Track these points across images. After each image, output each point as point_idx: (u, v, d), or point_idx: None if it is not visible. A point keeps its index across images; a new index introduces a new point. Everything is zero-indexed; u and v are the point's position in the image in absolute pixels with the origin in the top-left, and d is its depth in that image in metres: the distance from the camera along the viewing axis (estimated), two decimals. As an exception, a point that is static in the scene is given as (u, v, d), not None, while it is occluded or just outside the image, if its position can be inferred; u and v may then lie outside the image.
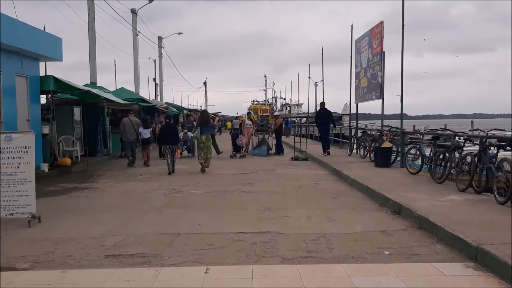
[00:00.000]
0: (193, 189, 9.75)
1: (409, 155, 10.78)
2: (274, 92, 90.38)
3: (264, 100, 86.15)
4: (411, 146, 11.08)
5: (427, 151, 10.38)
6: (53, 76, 11.94)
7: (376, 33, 13.64)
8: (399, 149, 12.06)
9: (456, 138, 9.45)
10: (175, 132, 13.15)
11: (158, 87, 41.28)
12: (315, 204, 7.96)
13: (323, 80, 24.40)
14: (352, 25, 16.98)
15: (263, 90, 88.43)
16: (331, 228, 6.21)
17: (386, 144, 12.00)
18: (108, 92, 16.45)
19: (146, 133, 14.78)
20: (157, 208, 7.67)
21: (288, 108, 79.69)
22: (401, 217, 6.78)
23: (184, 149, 16.84)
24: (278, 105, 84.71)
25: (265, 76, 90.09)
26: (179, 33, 39.85)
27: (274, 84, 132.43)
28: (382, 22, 13.27)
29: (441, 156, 9.20)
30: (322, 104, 16.71)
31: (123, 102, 16.25)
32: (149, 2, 29.74)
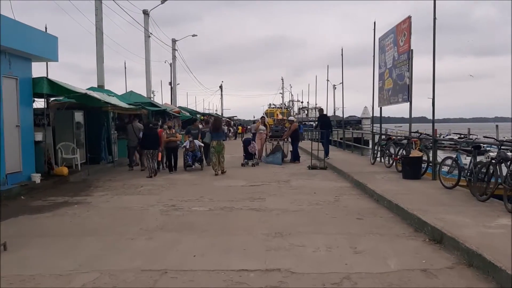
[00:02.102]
0: (195, 204, 8.56)
1: (443, 166, 9.38)
2: (291, 95, 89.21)
3: (281, 104, 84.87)
4: (446, 156, 9.69)
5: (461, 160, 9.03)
6: (46, 77, 10.93)
7: (403, 29, 12.29)
8: (430, 159, 10.72)
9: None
10: (156, 138, 13.33)
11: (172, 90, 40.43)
12: (336, 227, 6.68)
13: (342, 82, 23.01)
14: (374, 23, 15.68)
15: (280, 93, 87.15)
16: (357, 264, 4.94)
17: (416, 153, 10.63)
18: (113, 96, 15.43)
19: None
20: (148, 232, 6.49)
21: (306, 112, 78.27)
22: (444, 249, 5.46)
23: (192, 160, 14.32)
24: (295, 109, 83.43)
25: (282, 79, 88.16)
26: (193, 35, 38.98)
27: (291, 87, 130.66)
28: (409, 17, 11.93)
29: (483, 169, 7.83)
30: (321, 110, 18.02)
31: (127, 106, 15.18)
32: (162, 3, 28.84)
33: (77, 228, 6.87)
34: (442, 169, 9.52)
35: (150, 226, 6.87)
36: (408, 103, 12.00)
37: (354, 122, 69.49)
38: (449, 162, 9.16)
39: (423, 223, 6.31)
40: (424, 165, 10.90)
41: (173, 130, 14.11)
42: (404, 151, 11.95)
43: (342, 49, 22.97)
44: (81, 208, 8.39)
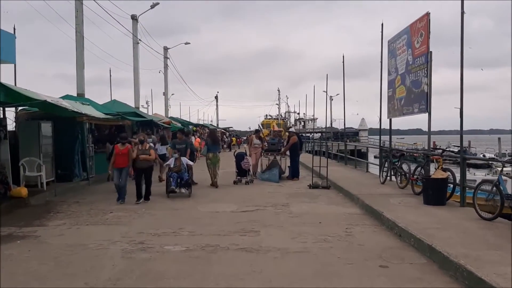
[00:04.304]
0: (170, 241, 6.73)
1: (479, 191, 7.59)
2: (288, 106, 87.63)
3: (277, 115, 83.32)
4: (483, 179, 7.94)
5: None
6: (0, 82, 9.12)
7: (419, 28, 10.61)
8: (457, 180, 8.99)
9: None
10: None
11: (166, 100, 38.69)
12: (354, 282, 4.88)
13: (344, 91, 21.32)
14: (382, 24, 13.99)
15: (276, 104, 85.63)
16: None
17: (440, 174, 8.87)
18: (88, 104, 13.64)
19: (162, 149, 14.61)
20: (95, 290, 4.67)
21: (302, 123, 76.72)
22: (522, 328, 3.67)
23: (177, 184, 11.17)
24: (292, 120, 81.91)
25: (279, 90, 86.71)
26: (186, 43, 37.32)
27: (287, 98, 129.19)
28: (428, 14, 10.24)
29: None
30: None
31: (103, 116, 13.39)
32: (151, 8, 27.23)
33: (1, 282, 5.03)
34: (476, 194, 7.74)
35: (101, 278, 5.05)
36: (427, 114, 10.29)
37: (352, 134, 67.87)
38: (487, 187, 7.38)
39: (477, 280, 4.52)
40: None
41: (146, 145, 10.78)
42: (422, 169, 10.22)
43: (343, 56, 21.37)
44: (23, 246, 6.55)
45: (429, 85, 10.16)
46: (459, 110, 8.61)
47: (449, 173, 8.97)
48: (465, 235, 6.30)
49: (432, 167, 10.79)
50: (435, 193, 8.70)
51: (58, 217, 8.77)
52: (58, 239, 6.98)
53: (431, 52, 10.14)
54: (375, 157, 33.77)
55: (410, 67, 11.22)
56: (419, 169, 10.38)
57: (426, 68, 10.23)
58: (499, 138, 55.32)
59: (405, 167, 11.46)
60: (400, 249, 6.25)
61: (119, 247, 6.42)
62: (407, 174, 11.02)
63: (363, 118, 75.45)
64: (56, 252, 6.21)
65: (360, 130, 73.47)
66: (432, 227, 6.76)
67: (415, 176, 10.29)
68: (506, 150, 54.00)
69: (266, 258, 5.82)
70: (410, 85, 11.21)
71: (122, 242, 6.66)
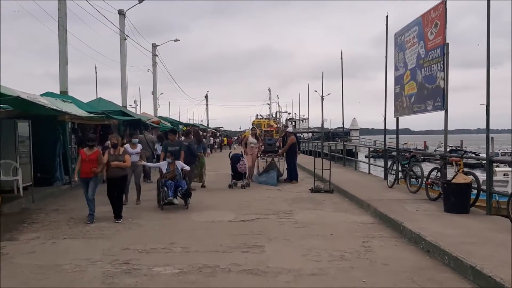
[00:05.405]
0: (160, 260, 5.70)
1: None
2: (279, 106, 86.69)
3: (268, 114, 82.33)
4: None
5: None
6: (-35, 75, 8.05)
7: (434, 18, 9.71)
8: (479, 185, 8.10)
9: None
10: None
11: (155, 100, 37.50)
12: (392, 318, 3.92)
13: (342, 89, 20.39)
14: (387, 16, 13.11)
15: (267, 104, 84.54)
16: None
17: (462, 179, 7.96)
18: (70, 102, 12.54)
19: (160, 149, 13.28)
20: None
21: (293, 123, 75.86)
22: None
23: (174, 194, 9.34)
24: (283, 120, 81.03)
25: (269, 90, 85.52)
26: (176, 40, 36.15)
27: (278, 98, 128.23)
28: (444, 2, 9.34)
29: None
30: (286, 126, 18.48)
31: (86, 114, 12.30)
32: (139, 2, 26.08)
33: None
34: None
35: (74, 315, 4.03)
36: (443, 111, 9.39)
37: (342, 134, 66.98)
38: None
39: (551, 317, 3.60)
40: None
41: (120, 150, 8.68)
42: (439, 173, 9.31)
43: (341, 53, 20.47)
44: (-16, 268, 5.49)
45: (446, 79, 9.27)
46: (485, 106, 7.72)
47: (472, 177, 8.07)
48: (508, 252, 5.37)
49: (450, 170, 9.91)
50: (458, 200, 7.79)
51: (33, 229, 7.69)
52: (29, 258, 5.93)
53: (447, 43, 9.25)
54: (365, 156, 32.84)
55: (422, 61, 10.32)
56: (434, 172, 9.49)
57: (442, 62, 9.34)
58: (492, 138, 54.86)
59: (416, 169, 10.57)
60: (433, 269, 5.30)
61: (100, 268, 5.38)
62: (419, 178, 10.14)
63: (354, 118, 74.64)
64: (25, 276, 5.18)
65: (351, 130, 72.73)
66: (466, 242, 5.83)
67: (430, 180, 9.39)
68: (499, 150, 53.75)
69: (277, 284, 4.84)
70: (423, 80, 10.31)
71: (104, 262, 5.63)
